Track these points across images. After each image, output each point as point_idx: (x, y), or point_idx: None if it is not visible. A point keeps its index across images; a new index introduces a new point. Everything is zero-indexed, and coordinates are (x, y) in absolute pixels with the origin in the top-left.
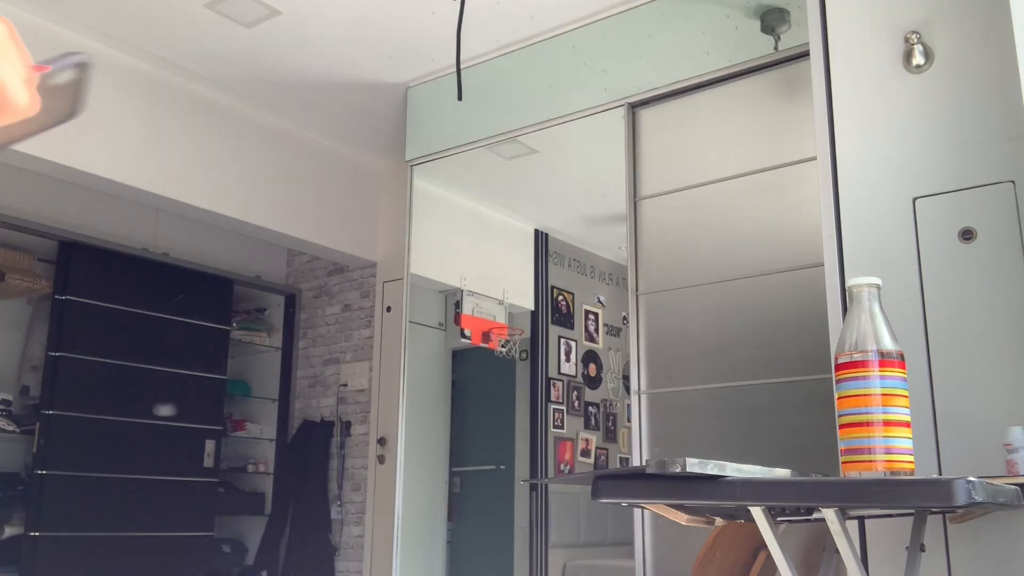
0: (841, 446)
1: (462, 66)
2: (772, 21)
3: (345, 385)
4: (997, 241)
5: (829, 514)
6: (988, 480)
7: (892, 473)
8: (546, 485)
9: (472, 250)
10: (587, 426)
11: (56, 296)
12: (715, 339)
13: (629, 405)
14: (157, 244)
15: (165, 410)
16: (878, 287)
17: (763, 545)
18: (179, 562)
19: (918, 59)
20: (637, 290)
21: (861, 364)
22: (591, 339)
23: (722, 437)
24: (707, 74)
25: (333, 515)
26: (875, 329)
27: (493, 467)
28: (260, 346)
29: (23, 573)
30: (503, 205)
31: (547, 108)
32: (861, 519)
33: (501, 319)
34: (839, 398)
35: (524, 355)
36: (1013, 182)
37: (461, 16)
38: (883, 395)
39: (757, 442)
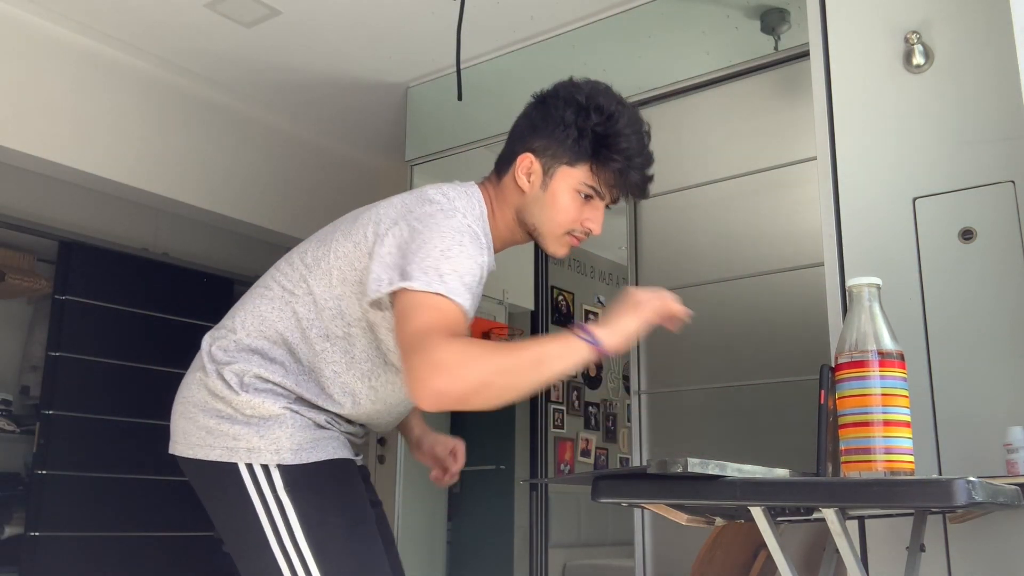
0: (841, 446)
1: (462, 66)
2: (772, 21)
3: None
4: (997, 241)
5: (829, 514)
6: (988, 480)
7: (892, 473)
8: (546, 485)
9: None
10: (587, 426)
11: (56, 296)
12: (715, 339)
13: (629, 405)
14: (157, 244)
15: None
16: (878, 287)
17: (763, 545)
18: (179, 562)
19: (918, 59)
20: None
21: (861, 364)
22: None
23: (722, 437)
24: (707, 74)
25: None
26: (875, 329)
27: (493, 467)
28: None
29: (23, 573)
30: None
31: None
32: (861, 519)
33: (501, 319)
34: (839, 398)
35: None
36: (1013, 182)
37: (461, 16)
38: (883, 395)
39: (757, 442)
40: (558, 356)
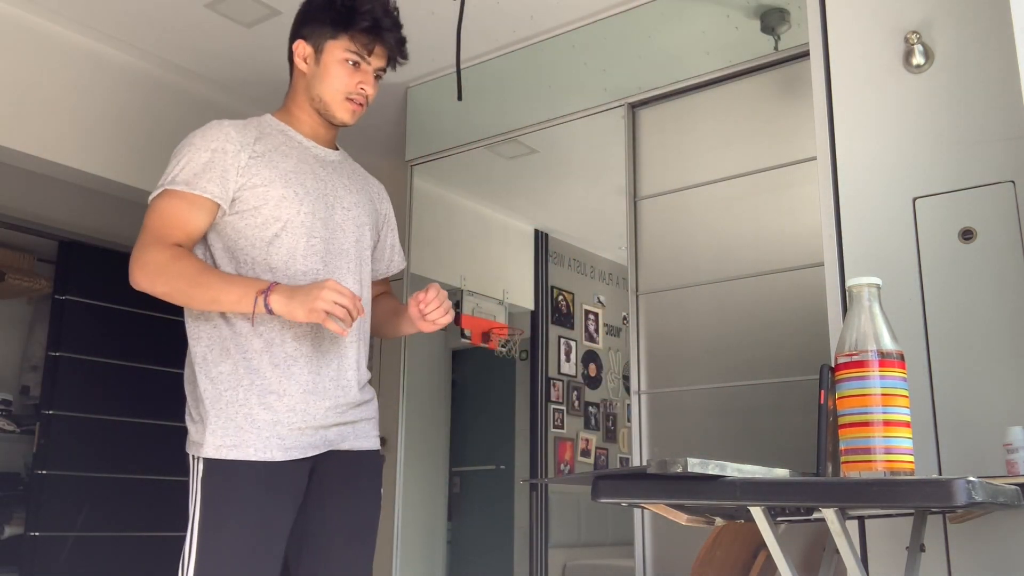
0: (841, 446)
1: (462, 66)
2: (772, 21)
3: None
4: (997, 241)
5: (829, 514)
6: (988, 480)
7: (892, 473)
8: (546, 485)
9: (472, 250)
10: (587, 426)
11: (56, 296)
12: (715, 339)
13: (629, 405)
14: None
15: None
16: (878, 287)
17: (763, 545)
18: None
19: (918, 59)
20: (637, 290)
21: (861, 364)
22: (591, 339)
23: (722, 437)
24: (707, 74)
25: None
26: (875, 329)
27: (493, 467)
28: None
29: (23, 573)
30: (503, 205)
31: (547, 108)
32: (861, 519)
33: (501, 319)
34: (839, 398)
35: (524, 355)
36: (1013, 182)
37: (461, 16)
38: (883, 395)
39: (757, 442)
40: (230, 304)
